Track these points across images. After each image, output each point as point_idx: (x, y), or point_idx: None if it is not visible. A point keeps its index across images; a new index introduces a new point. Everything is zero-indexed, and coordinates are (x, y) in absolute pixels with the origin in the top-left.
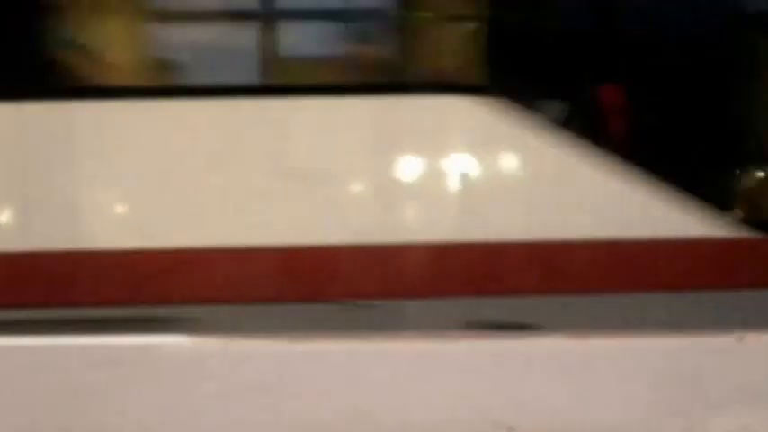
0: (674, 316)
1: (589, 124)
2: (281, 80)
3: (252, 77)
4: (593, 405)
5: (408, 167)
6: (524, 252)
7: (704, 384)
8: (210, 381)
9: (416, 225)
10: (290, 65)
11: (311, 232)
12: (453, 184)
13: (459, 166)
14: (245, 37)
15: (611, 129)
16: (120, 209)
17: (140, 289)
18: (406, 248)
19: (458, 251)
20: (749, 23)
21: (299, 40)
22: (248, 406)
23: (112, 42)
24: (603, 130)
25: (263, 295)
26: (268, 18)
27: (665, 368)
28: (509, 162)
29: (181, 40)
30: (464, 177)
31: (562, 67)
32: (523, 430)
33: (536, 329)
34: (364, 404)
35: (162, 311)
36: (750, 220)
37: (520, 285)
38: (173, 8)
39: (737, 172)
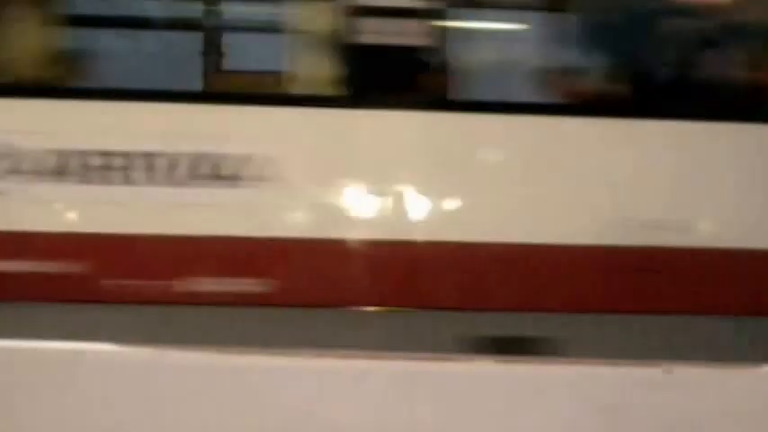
0: None
1: None
2: None
3: None
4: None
5: None
6: None
7: (632, 415)
8: (139, 391)
9: None
10: None
11: None
12: None
13: None
14: None
15: None
16: None
17: None
18: None
19: None
20: None
21: None
22: (176, 418)
23: None
24: None
25: None
26: None
27: (593, 398)
28: None
29: None
30: None
31: None
32: None
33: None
34: (288, 419)
35: None
36: None
37: None
38: None
39: None
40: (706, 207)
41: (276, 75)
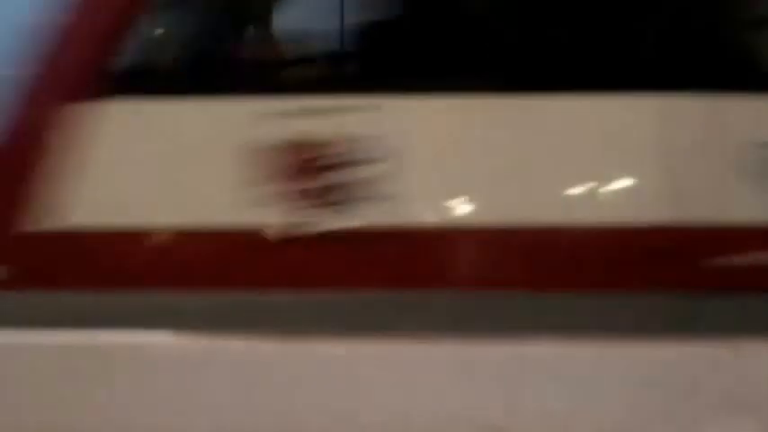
0: None
1: None
2: None
3: None
4: (584, 410)
5: None
6: None
7: (698, 393)
8: (195, 378)
9: None
10: None
11: None
12: None
13: None
14: None
15: None
16: None
17: None
18: None
19: None
20: None
21: None
22: (232, 404)
23: None
24: None
25: None
26: None
27: (659, 375)
28: None
29: None
30: None
31: None
32: None
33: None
34: (349, 405)
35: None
36: None
37: None
38: None
39: None
40: None
41: None
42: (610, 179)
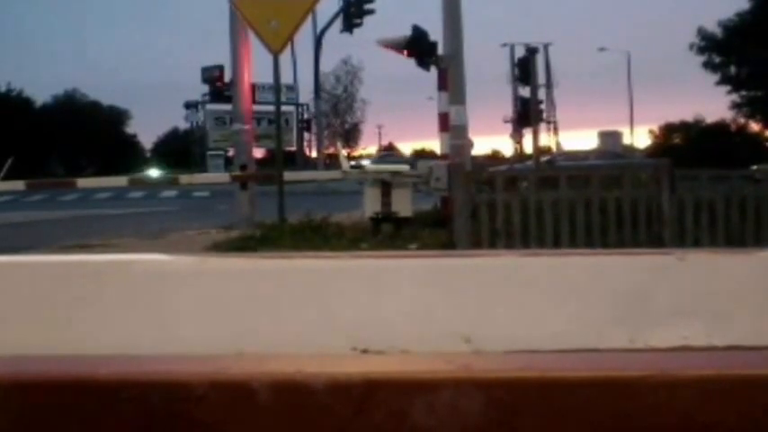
0: None
1: None
2: None
3: None
4: (543, 317)
5: None
6: None
7: (648, 299)
8: (186, 295)
9: None
10: None
11: None
12: None
13: None
14: None
15: None
16: None
17: None
18: None
19: None
20: None
21: None
22: (221, 318)
23: None
24: None
25: None
26: None
27: (611, 284)
28: None
29: None
30: None
31: None
32: (479, 340)
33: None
34: (331, 314)
35: None
36: None
37: None
38: None
39: None
40: None
41: None
42: None
